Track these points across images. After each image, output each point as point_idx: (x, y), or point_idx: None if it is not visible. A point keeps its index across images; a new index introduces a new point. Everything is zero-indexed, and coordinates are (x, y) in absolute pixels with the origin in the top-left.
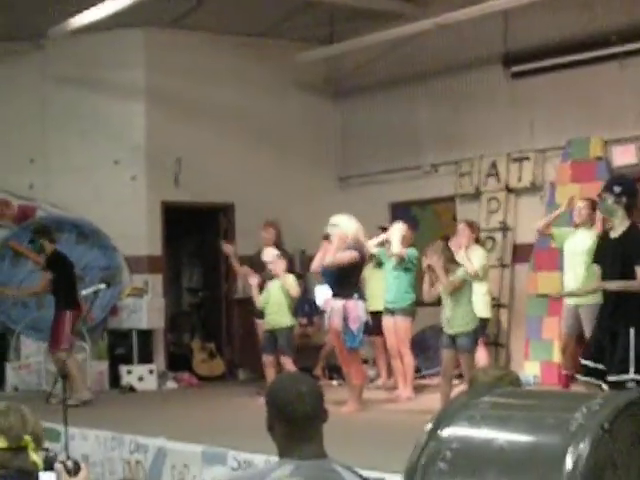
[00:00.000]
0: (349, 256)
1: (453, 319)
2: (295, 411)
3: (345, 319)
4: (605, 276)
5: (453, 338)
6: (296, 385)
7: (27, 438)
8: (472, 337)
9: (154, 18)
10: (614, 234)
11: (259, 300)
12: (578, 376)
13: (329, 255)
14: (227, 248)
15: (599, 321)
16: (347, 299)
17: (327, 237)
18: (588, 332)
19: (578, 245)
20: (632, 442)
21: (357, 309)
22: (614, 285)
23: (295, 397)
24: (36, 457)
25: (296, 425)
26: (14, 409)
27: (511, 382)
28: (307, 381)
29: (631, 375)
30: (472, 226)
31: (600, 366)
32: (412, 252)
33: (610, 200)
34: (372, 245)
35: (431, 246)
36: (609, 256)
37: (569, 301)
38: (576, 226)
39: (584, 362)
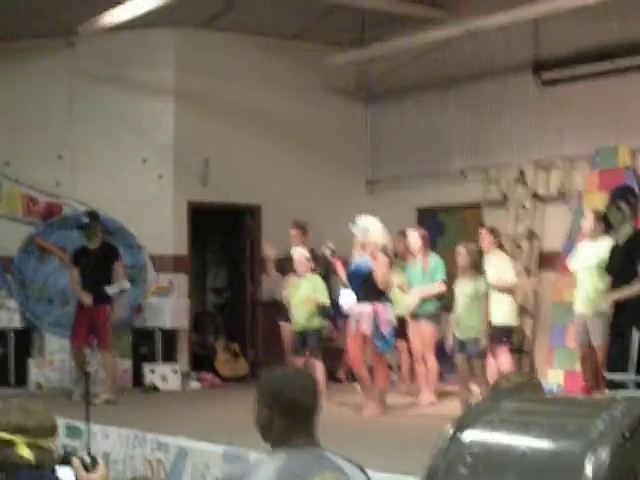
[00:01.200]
0: (386, 266)
1: (463, 320)
2: (302, 406)
3: (375, 323)
4: (615, 283)
5: (463, 343)
6: (300, 380)
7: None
8: (480, 343)
9: (185, 18)
10: (620, 240)
11: (285, 296)
12: (606, 391)
13: (380, 278)
14: (268, 249)
15: (611, 329)
16: (375, 303)
17: (333, 253)
18: (595, 341)
19: (586, 260)
20: None
21: (387, 313)
22: (624, 292)
23: (303, 392)
24: (27, 452)
25: (298, 419)
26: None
27: (533, 388)
28: (309, 376)
29: (631, 376)
30: (494, 232)
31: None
32: (436, 261)
33: (627, 210)
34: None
35: (465, 243)
36: (617, 262)
37: (578, 311)
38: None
39: (609, 376)
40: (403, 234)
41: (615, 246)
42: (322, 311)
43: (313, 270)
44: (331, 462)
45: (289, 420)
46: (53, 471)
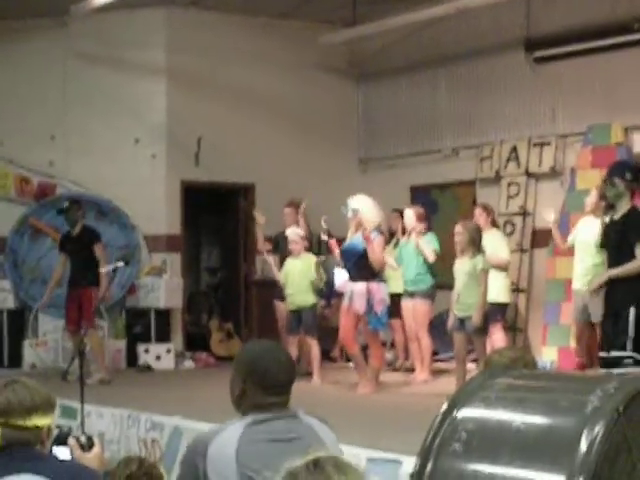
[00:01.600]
0: (381, 245)
1: (462, 298)
2: (275, 379)
3: (369, 302)
4: (611, 259)
5: (462, 321)
6: (274, 354)
7: None
8: (480, 322)
9: None
10: (616, 216)
11: (280, 276)
12: (600, 370)
13: (376, 259)
14: (259, 217)
15: (605, 308)
16: (369, 282)
17: (329, 235)
18: (594, 317)
19: (587, 235)
20: None
21: (381, 292)
22: (618, 272)
23: (275, 365)
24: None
25: (271, 392)
26: None
27: (527, 364)
28: (282, 350)
29: (628, 352)
30: (487, 209)
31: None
32: (431, 238)
33: (622, 186)
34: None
35: (464, 222)
36: (612, 239)
37: (577, 288)
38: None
39: (601, 354)
40: (398, 212)
41: (610, 221)
42: (316, 290)
43: (307, 249)
44: (301, 421)
45: (263, 393)
46: (51, 450)
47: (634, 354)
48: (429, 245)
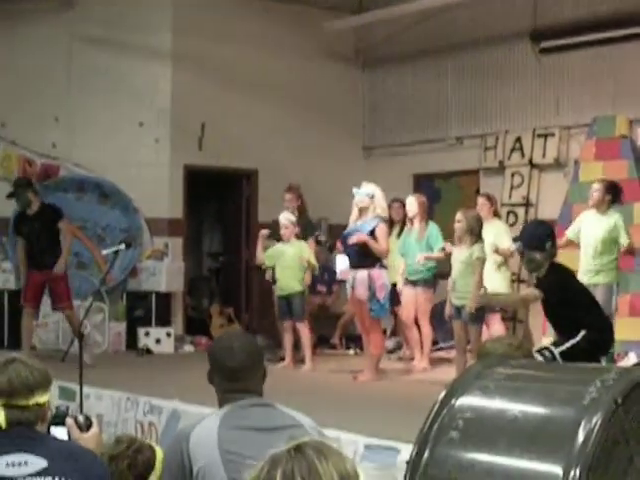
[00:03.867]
0: (386, 234)
1: (458, 286)
2: (224, 364)
3: (371, 288)
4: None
5: (459, 309)
6: (229, 341)
7: None
8: (474, 309)
9: None
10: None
11: (261, 257)
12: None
13: (380, 249)
14: (263, 232)
15: None
16: (371, 268)
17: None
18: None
19: (592, 230)
20: None
21: (382, 278)
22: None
23: (226, 351)
24: (2, 415)
25: (229, 377)
26: None
27: (523, 354)
28: (241, 338)
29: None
30: (491, 199)
31: None
32: (432, 228)
33: (540, 257)
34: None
35: (465, 210)
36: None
37: (584, 280)
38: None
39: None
40: (398, 201)
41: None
42: (306, 275)
43: (297, 236)
44: (279, 410)
45: (223, 379)
46: (48, 431)
47: (556, 352)
48: (437, 242)
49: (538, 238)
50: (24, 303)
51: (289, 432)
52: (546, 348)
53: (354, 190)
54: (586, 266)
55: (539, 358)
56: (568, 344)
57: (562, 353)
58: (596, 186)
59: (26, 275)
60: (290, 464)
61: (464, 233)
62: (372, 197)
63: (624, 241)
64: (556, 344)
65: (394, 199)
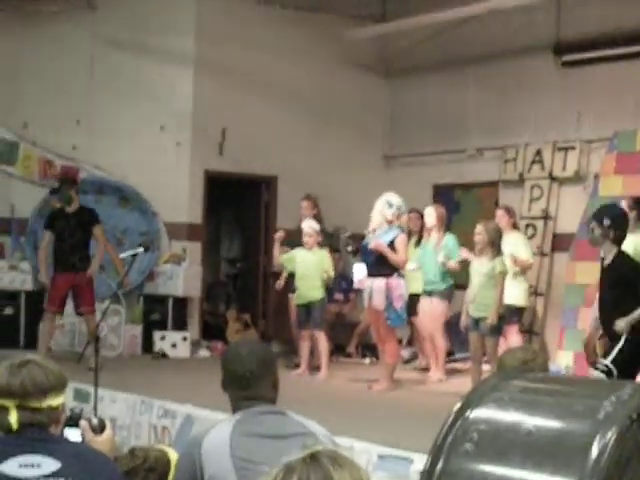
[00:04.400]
0: (405, 245)
1: (478, 299)
2: (235, 371)
3: (388, 298)
4: (602, 301)
5: (477, 321)
6: (238, 348)
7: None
8: (496, 322)
9: None
10: (606, 262)
11: (278, 259)
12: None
13: (398, 259)
14: (278, 234)
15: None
16: (388, 277)
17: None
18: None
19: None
20: None
21: (400, 287)
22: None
23: (235, 359)
24: (15, 416)
25: (239, 385)
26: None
27: (539, 366)
28: (251, 345)
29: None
30: (510, 212)
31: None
32: (450, 239)
33: (598, 232)
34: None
35: (485, 222)
36: (604, 283)
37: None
38: None
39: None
40: (415, 211)
41: (602, 267)
42: (326, 284)
43: (319, 244)
44: (291, 418)
45: (233, 385)
46: (62, 432)
47: (608, 363)
48: (453, 253)
49: (600, 212)
50: (47, 307)
51: (301, 440)
52: (598, 363)
53: (386, 204)
54: None
55: (595, 374)
56: (614, 351)
57: (614, 361)
58: (624, 203)
59: (51, 278)
60: (306, 472)
61: (485, 245)
62: (401, 210)
63: None
64: (605, 355)
65: (412, 209)
